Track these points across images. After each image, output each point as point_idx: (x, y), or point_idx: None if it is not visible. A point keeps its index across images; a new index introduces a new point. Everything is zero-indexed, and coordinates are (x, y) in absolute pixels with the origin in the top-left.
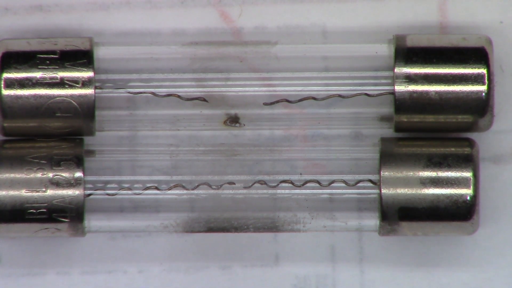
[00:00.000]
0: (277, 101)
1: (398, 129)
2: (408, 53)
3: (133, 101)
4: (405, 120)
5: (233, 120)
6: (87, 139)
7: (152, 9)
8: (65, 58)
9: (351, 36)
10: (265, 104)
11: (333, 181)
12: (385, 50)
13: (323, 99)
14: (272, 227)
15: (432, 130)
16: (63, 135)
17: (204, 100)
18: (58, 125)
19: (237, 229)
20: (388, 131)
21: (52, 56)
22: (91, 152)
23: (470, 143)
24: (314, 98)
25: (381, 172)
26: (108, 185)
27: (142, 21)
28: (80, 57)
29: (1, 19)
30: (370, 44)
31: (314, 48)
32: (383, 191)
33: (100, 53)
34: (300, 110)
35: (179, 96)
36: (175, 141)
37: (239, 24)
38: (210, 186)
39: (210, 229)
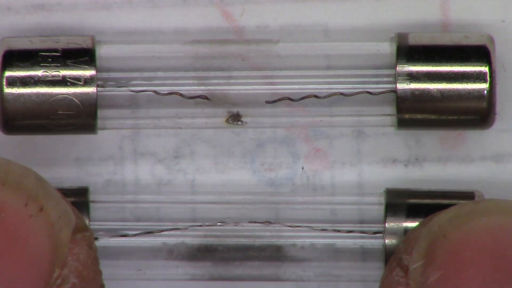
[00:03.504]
0: (279, 99)
1: (400, 126)
2: (410, 51)
3: (135, 99)
4: (407, 117)
5: (235, 118)
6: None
7: (154, 8)
8: (67, 56)
9: (353, 35)
10: (267, 102)
11: (338, 231)
12: (387, 48)
13: (325, 97)
14: (278, 277)
15: (434, 127)
16: (65, 133)
17: (206, 98)
18: (60, 123)
19: (241, 277)
20: (390, 129)
21: (54, 54)
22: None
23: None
24: (316, 96)
25: (386, 224)
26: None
27: (144, 20)
28: (82, 55)
29: (3, 18)
30: (372, 43)
31: (316, 47)
32: (387, 241)
33: (102, 51)
34: (302, 108)
35: (181, 95)
36: (178, 140)
37: (241, 23)
38: (213, 228)
39: (213, 277)
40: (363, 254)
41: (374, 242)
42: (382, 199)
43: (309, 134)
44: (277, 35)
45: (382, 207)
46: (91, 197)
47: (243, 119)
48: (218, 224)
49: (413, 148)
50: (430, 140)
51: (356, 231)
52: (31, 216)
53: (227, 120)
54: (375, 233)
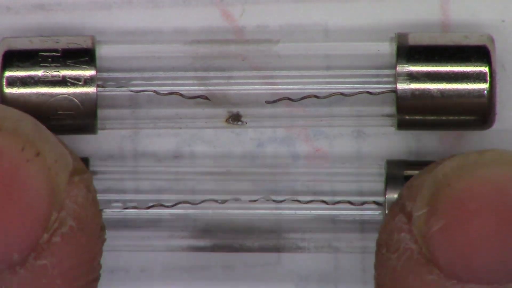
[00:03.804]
0: (279, 99)
1: (400, 126)
2: (410, 51)
3: (135, 100)
4: (407, 117)
5: (235, 118)
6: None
7: (154, 8)
8: (67, 56)
9: (353, 35)
10: (267, 102)
11: (338, 202)
12: (387, 48)
13: (325, 97)
14: (279, 247)
15: (434, 127)
16: (65, 133)
17: (206, 98)
18: (60, 123)
19: (242, 248)
20: (390, 129)
21: (54, 54)
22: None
23: None
24: (316, 96)
25: (386, 195)
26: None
27: (144, 20)
28: (82, 55)
29: (3, 18)
30: (372, 43)
31: (316, 46)
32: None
33: (102, 51)
34: (302, 108)
35: (181, 95)
36: (178, 140)
37: (241, 23)
38: (216, 201)
39: (215, 248)
40: (362, 224)
41: (374, 214)
42: (382, 170)
43: (309, 134)
44: (277, 35)
45: (382, 179)
46: (92, 168)
47: (243, 119)
48: (219, 201)
49: (413, 148)
50: (430, 140)
51: (356, 202)
52: (27, 160)
53: (227, 120)
54: (375, 203)
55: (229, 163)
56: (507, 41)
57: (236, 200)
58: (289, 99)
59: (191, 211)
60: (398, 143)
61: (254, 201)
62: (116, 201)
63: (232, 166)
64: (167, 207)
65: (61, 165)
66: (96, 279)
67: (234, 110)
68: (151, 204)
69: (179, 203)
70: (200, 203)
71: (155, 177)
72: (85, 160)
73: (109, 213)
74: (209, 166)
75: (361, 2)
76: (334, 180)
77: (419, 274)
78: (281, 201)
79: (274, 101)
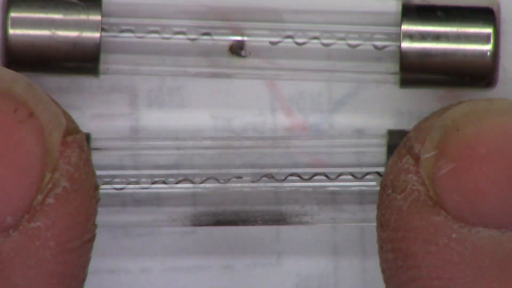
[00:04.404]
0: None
1: (402, 85)
2: (415, 10)
3: (138, 45)
4: (410, 76)
5: (238, 46)
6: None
7: None
8: None
9: None
10: (271, 43)
11: (340, 174)
12: (393, 6)
13: (329, 45)
14: (280, 219)
15: (437, 86)
16: (68, 74)
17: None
18: (63, 65)
19: (244, 221)
20: (392, 96)
21: None
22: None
23: None
24: (321, 42)
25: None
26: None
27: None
28: None
29: None
30: (378, 1)
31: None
32: None
33: None
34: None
35: (184, 33)
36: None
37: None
38: (217, 180)
39: (218, 222)
40: (362, 196)
41: (374, 185)
42: (384, 141)
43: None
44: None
45: (384, 149)
46: (93, 144)
47: (246, 51)
48: (222, 181)
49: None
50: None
51: (358, 174)
52: (20, 122)
53: (230, 49)
54: (378, 174)
55: (229, 137)
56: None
57: (238, 178)
58: (296, 43)
59: (192, 190)
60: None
61: (258, 180)
62: (117, 176)
63: (233, 140)
64: (169, 184)
65: (55, 125)
66: (91, 239)
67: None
68: (153, 181)
69: (180, 181)
70: (202, 182)
71: (155, 153)
72: (87, 136)
73: (109, 189)
74: (209, 140)
75: None
76: (334, 152)
77: (426, 215)
78: (282, 180)
79: (278, 42)
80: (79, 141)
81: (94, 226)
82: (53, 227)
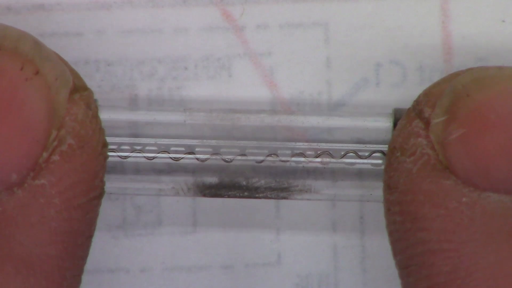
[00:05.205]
0: None
1: None
2: None
3: None
4: None
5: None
6: None
7: (154, 8)
8: None
9: (353, 33)
10: None
11: (345, 152)
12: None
13: None
14: (284, 189)
15: None
16: None
17: None
18: None
19: (249, 192)
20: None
21: None
22: None
23: None
24: None
25: None
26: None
27: (144, 20)
28: None
29: (3, 18)
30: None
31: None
32: None
33: None
34: None
35: None
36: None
37: (241, 23)
38: (221, 154)
39: (221, 194)
40: (360, 174)
41: (380, 163)
42: (390, 119)
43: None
44: (277, 35)
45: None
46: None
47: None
48: (226, 160)
49: None
50: None
51: (363, 153)
52: (27, 79)
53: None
54: (382, 153)
55: (232, 115)
56: (507, 41)
57: (242, 155)
58: None
59: (195, 161)
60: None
61: (261, 161)
62: (122, 144)
63: (239, 113)
64: (172, 159)
65: (61, 83)
66: (99, 196)
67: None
68: (160, 150)
69: (184, 157)
70: (205, 160)
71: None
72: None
73: (114, 156)
74: (215, 113)
75: (361, 2)
76: (338, 130)
77: (436, 179)
78: (286, 161)
79: None
80: (86, 98)
81: (102, 183)
82: (58, 184)
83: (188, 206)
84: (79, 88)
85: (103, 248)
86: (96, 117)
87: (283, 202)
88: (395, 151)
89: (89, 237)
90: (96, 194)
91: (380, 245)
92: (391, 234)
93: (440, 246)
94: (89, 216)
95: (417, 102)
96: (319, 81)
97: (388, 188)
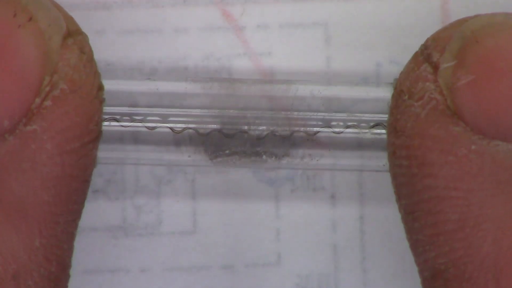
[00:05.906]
0: None
1: None
2: None
3: None
4: None
5: None
6: None
7: (154, 8)
8: None
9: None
10: None
11: (345, 122)
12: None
13: None
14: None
15: None
16: None
17: None
18: None
19: (256, 156)
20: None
21: None
22: None
23: None
24: None
25: None
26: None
27: (144, 20)
28: None
29: None
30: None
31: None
32: None
33: None
34: None
35: None
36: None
37: (241, 23)
38: (224, 124)
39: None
40: (360, 146)
41: (379, 133)
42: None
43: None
44: (277, 35)
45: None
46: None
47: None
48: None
49: None
50: None
51: (362, 121)
52: (19, 26)
53: None
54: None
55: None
56: None
57: (244, 132)
58: None
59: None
60: None
61: (263, 137)
62: (124, 114)
63: (242, 82)
64: (173, 131)
65: (55, 29)
66: (94, 140)
67: None
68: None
69: (186, 129)
70: (207, 134)
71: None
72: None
73: (115, 126)
74: (217, 81)
75: (361, 2)
76: (340, 99)
77: (444, 125)
78: (289, 135)
79: None
80: (80, 42)
81: (98, 126)
82: (50, 129)
83: (188, 206)
84: (73, 33)
85: (103, 248)
86: (90, 61)
87: (283, 202)
88: (403, 94)
89: (84, 181)
90: (91, 138)
91: (380, 245)
92: (395, 177)
93: (447, 194)
94: (83, 161)
95: (425, 47)
96: (319, 81)
97: (395, 131)
